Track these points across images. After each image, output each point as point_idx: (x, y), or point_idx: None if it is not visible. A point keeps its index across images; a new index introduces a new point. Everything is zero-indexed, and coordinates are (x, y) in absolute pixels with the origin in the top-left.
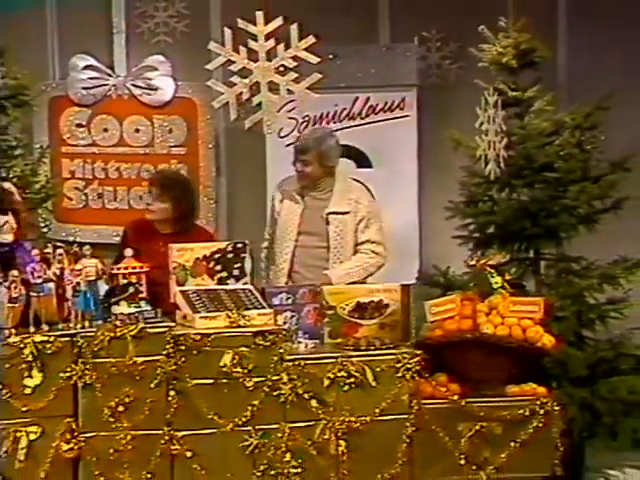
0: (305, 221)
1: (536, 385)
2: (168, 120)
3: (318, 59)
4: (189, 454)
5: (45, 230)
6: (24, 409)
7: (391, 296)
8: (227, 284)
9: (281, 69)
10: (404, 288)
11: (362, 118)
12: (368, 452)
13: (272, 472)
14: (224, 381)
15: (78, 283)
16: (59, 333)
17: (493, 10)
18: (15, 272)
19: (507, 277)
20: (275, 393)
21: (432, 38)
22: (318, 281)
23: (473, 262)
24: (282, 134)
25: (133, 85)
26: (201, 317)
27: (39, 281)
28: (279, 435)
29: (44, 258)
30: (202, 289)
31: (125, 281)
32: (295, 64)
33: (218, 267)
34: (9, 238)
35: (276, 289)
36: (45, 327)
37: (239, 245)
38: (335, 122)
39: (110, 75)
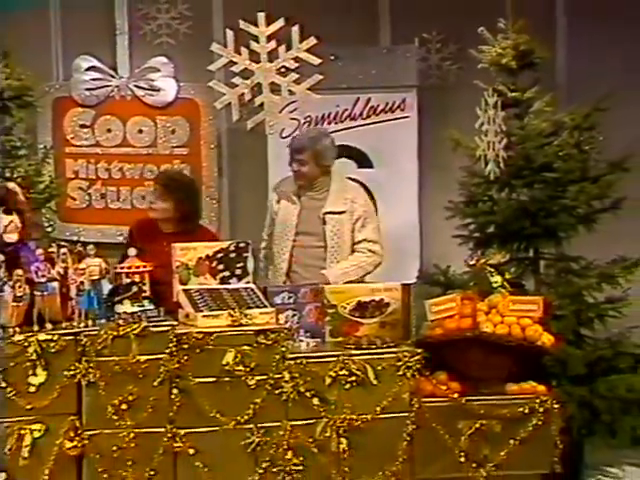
0: (302, 221)
1: (535, 383)
2: (171, 121)
3: (319, 60)
4: (192, 452)
5: (49, 230)
6: (28, 407)
7: (392, 295)
8: (229, 283)
9: (283, 70)
10: (405, 287)
11: (363, 119)
12: (369, 450)
13: (274, 469)
14: (226, 379)
15: (82, 282)
16: (63, 332)
17: (492, 12)
18: (19, 271)
19: (507, 276)
20: (277, 391)
21: (432, 40)
22: (316, 280)
23: (473, 261)
24: (284, 135)
25: (136, 86)
26: (203, 316)
27: (43, 280)
28: (281, 433)
29: (48, 257)
30: (205, 288)
31: (128, 280)
32: (296, 65)
33: (220, 266)
34: (14, 238)
35: (278, 288)
36: (49, 326)
37: (241, 245)
38: (336, 123)
39: (113, 76)
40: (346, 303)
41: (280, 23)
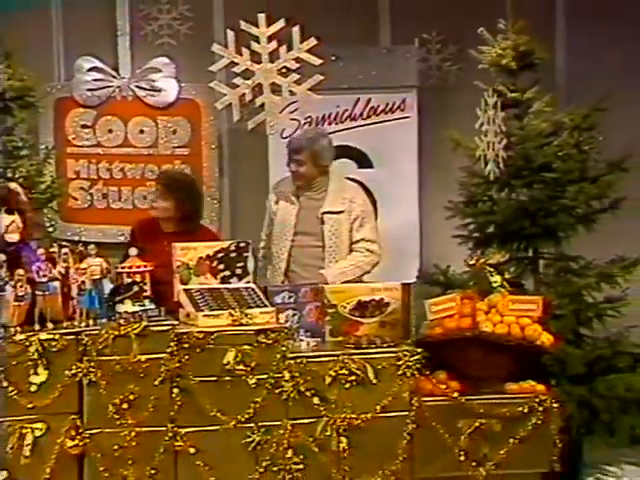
0: (301, 221)
1: (535, 383)
2: (172, 121)
3: (320, 61)
4: (192, 450)
5: (51, 230)
6: (30, 406)
7: (392, 295)
8: (230, 283)
9: (283, 71)
10: (405, 287)
11: (363, 119)
12: (369, 448)
13: (274, 468)
14: (227, 379)
15: (83, 282)
16: (64, 331)
17: (492, 12)
18: (21, 271)
19: (506, 276)
20: (277, 390)
21: (432, 40)
22: (314, 280)
23: (473, 261)
24: (284, 135)
25: (137, 87)
26: (204, 315)
27: (44, 280)
28: (281, 432)
29: (50, 257)
30: (205, 288)
31: (129, 280)
32: (297, 66)
33: (221, 266)
34: (15, 237)
35: (278, 288)
36: (50, 325)
37: (242, 244)
38: (337, 123)
39: (115, 77)
40: (346, 303)
41: (281, 24)
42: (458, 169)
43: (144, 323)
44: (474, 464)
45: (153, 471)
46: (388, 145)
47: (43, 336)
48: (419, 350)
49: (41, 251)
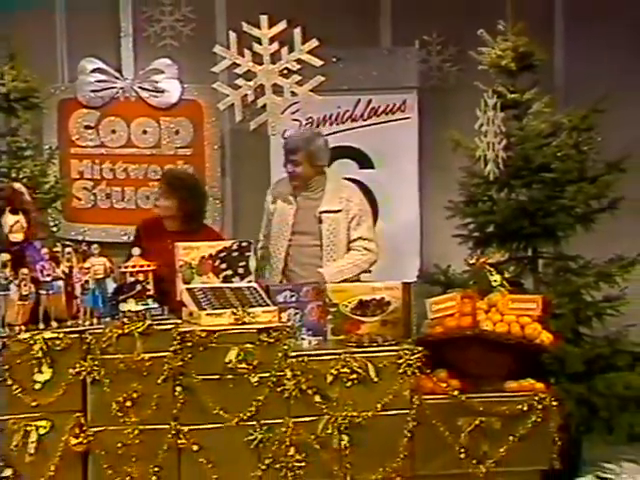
0: (298, 221)
1: (534, 381)
2: (174, 122)
3: (321, 62)
4: (195, 448)
5: (54, 229)
6: (34, 404)
7: (393, 294)
8: (232, 282)
9: (285, 72)
10: (405, 286)
11: (364, 120)
12: (370, 446)
13: (276, 466)
14: (229, 377)
15: (87, 281)
16: (68, 330)
17: (492, 14)
18: (25, 270)
19: (506, 275)
20: (279, 389)
21: (432, 42)
22: (312, 279)
23: (473, 261)
24: (286, 135)
25: (140, 88)
26: (207, 314)
27: (48, 279)
28: (283, 430)
29: (53, 257)
30: (208, 287)
31: (132, 279)
32: (299, 67)
33: (223, 265)
34: (19, 237)
35: (280, 287)
36: (54, 324)
37: (244, 244)
38: (337, 124)
39: (118, 78)
40: (348, 302)
41: (282, 25)
42: (458, 169)
43: (147, 322)
44: (474, 462)
45: (156, 468)
46: (389, 146)
47: (47, 335)
48: (420, 349)
49: (45, 250)
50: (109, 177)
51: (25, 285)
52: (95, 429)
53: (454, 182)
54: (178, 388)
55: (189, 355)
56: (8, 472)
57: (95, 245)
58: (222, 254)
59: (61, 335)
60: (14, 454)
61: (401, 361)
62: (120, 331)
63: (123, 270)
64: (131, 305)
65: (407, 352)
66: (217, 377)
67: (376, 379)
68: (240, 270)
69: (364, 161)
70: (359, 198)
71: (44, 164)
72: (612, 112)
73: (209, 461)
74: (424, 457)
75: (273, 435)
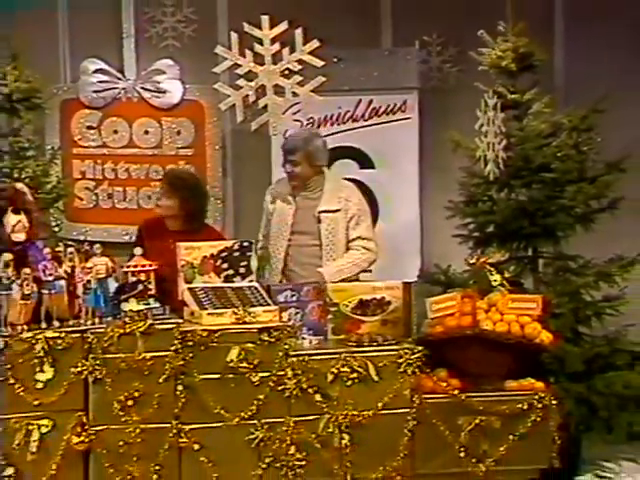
0: (298, 221)
1: (534, 380)
2: (176, 122)
3: (322, 62)
4: (196, 447)
5: (56, 229)
6: (36, 403)
7: (393, 293)
8: (233, 282)
9: (286, 72)
10: (406, 286)
11: (365, 120)
12: (371, 445)
13: (277, 464)
14: (230, 376)
15: (89, 281)
16: (70, 329)
17: (492, 15)
18: (27, 270)
19: (506, 275)
20: (280, 388)
21: (433, 42)
22: (312, 278)
23: (473, 260)
24: (287, 136)
25: (142, 88)
26: (208, 314)
27: (51, 279)
28: (284, 428)
29: (55, 256)
30: (209, 287)
31: (134, 279)
32: (300, 67)
33: (225, 265)
34: (22, 237)
35: (281, 287)
36: (56, 323)
37: (245, 244)
38: (338, 124)
39: (120, 78)
40: (348, 301)
41: (284, 26)
42: (458, 169)
43: (149, 321)
44: (474, 460)
45: (158, 467)
46: (389, 146)
47: (49, 334)
48: (420, 348)
49: (47, 250)
50: (111, 177)
51: (27, 285)
52: (97, 428)
53: (454, 182)
54: (179, 387)
55: (190, 354)
56: (10, 471)
57: (97, 245)
58: (223, 254)
59: (63, 334)
60: (16, 453)
61: (401, 360)
62: (122, 330)
63: (125, 270)
64: (133, 305)
65: (407, 351)
66: (218, 376)
67: (376, 378)
68: (241, 270)
69: (365, 161)
70: (358, 198)
71: (46, 164)
72: (612, 112)
73: (210, 460)
74: (424, 456)
75: (274, 434)
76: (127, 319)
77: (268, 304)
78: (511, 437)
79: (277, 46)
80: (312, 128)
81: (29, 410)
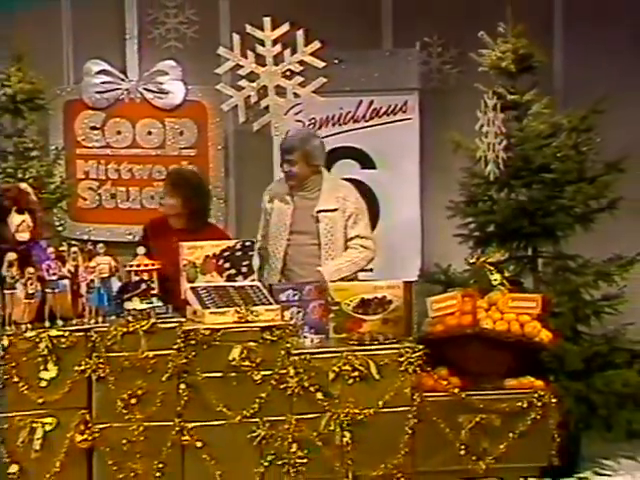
0: (296, 221)
1: (534, 378)
2: (179, 123)
3: (323, 64)
4: (199, 445)
5: (60, 229)
6: (40, 401)
7: (394, 293)
8: (235, 281)
9: (288, 73)
10: (407, 285)
11: (366, 121)
12: (372, 443)
13: (279, 462)
14: (233, 374)
15: (92, 280)
16: (74, 328)
17: (492, 16)
18: (31, 269)
19: (506, 274)
20: (282, 386)
21: (433, 44)
22: (311, 277)
23: (473, 260)
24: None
25: (145, 89)
26: (211, 313)
27: (54, 278)
28: (286, 426)
29: (59, 256)
30: (211, 286)
31: (137, 278)
32: (301, 68)
33: (227, 265)
34: (25, 237)
35: (283, 286)
36: (60, 322)
37: (247, 243)
38: (340, 125)
39: (123, 79)
40: (350, 300)
41: (285, 27)
42: (459, 170)
43: (152, 320)
44: (474, 458)
45: (161, 465)
46: (390, 146)
47: (53, 333)
48: (421, 347)
49: (51, 250)
50: (114, 177)
51: (31, 284)
52: (100, 426)
53: (455, 182)
54: (182, 385)
55: (193, 353)
56: (14, 468)
57: (100, 244)
58: (226, 253)
59: (67, 333)
60: (20, 450)
61: (402, 359)
62: (125, 329)
63: (128, 269)
64: (136, 304)
65: (408, 350)
66: (220, 375)
67: (377, 377)
68: (243, 269)
69: (366, 161)
70: (355, 197)
71: (50, 165)
72: (611, 113)
73: (212, 457)
74: (425, 454)
75: (276, 432)
76: (130, 318)
77: (270, 303)
78: (511, 435)
79: (279, 47)
80: (310, 128)
81: (33, 408)
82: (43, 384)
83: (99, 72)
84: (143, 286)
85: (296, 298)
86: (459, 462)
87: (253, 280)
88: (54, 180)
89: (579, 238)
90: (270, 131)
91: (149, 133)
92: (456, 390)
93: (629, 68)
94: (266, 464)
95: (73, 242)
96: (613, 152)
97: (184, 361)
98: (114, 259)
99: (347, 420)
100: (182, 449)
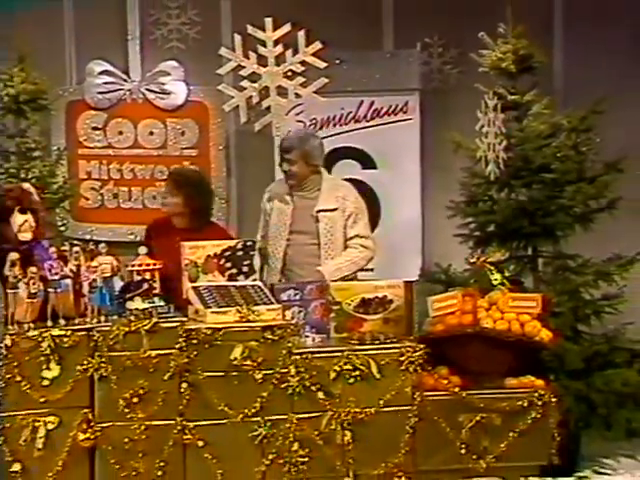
0: (296, 220)
1: (534, 378)
2: (181, 123)
3: (325, 64)
4: (201, 444)
5: (62, 229)
6: (42, 400)
7: (395, 292)
8: (237, 280)
9: (289, 74)
10: (407, 285)
11: (367, 121)
12: (373, 442)
13: (280, 461)
14: (234, 374)
15: (94, 280)
16: (76, 327)
17: (492, 17)
18: (34, 269)
19: (506, 274)
20: (283, 385)
21: (434, 44)
22: (311, 277)
23: (473, 259)
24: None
25: (147, 89)
26: (212, 312)
27: (57, 277)
28: (287, 426)
29: (61, 255)
30: (213, 285)
31: (139, 277)
32: (303, 69)
33: (228, 264)
34: (28, 236)
35: (284, 285)
36: (62, 322)
37: (248, 243)
38: (341, 125)
39: (125, 80)
40: (350, 300)
41: (287, 28)
42: (459, 170)
43: (154, 319)
44: (475, 457)
45: (162, 463)
46: (391, 146)
47: (55, 332)
48: (421, 346)
49: (53, 249)
50: (116, 177)
51: (34, 283)
52: (102, 425)
53: (455, 182)
54: (184, 385)
55: (195, 352)
56: (17, 467)
57: (103, 244)
58: (227, 253)
59: (69, 332)
60: (22, 449)
61: (403, 358)
62: (127, 329)
63: (130, 269)
64: (138, 303)
65: (409, 349)
66: (222, 374)
67: (378, 376)
68: (245, 269)
69: (367, 161)
70: (354, 196)
71: (52, 165)
72: (610, 113)
73: (214, 456)
74: (425, 453)
75: (277, 431)
76: (132, 317)
77: (271, 303)
78: (511, 434)
79: (280, 48)
80: (309, 128)
81: (35, 407)
82: (45, 383)
83: (101, 73)
84: (145, 286)
85: (297, 298)
86: (460, 461)
87: (255, 280)
88: (56, 180)
89: (579, 238)
90: (271, 131)
91: (151, 133)
92: (457, 389)
93: (629, 68)
94: (267, 463)
95: (75, 242)
96: (612, 152)
97: (186, 360)
98: (116, 259)
99: (348, 419)
100: (184, 448)
